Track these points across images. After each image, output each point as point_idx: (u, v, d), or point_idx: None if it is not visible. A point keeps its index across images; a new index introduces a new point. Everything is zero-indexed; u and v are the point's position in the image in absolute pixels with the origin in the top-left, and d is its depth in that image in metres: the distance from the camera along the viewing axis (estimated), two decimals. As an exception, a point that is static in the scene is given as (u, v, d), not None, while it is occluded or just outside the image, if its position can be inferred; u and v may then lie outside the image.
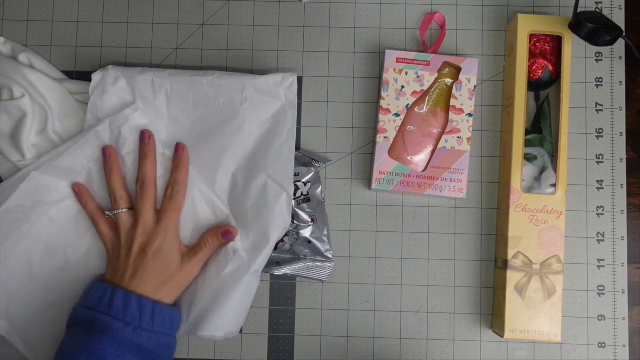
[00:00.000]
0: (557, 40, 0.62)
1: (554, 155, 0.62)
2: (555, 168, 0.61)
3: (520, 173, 0.60)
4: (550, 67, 0.62)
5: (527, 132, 0.62)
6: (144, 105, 0.63)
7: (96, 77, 0.62)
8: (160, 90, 0.62)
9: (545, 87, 0.63)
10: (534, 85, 0.63)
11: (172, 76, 0.63)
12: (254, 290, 0.61)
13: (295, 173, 0.62)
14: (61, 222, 0.62)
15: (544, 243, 0.60)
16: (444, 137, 0.62)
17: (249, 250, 0.60)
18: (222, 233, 0.59)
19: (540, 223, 0.60)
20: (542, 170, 0.62)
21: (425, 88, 0.62)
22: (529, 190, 0.61)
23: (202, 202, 0.62)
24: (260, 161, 0.61)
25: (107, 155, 0.61)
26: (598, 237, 0.64)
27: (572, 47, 0.61)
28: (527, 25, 0.61)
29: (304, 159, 0.63)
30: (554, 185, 0.60)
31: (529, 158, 0.62)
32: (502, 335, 0.59)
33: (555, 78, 0.63)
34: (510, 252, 0.60)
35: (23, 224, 0.61)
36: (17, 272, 0.61)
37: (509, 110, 0.62)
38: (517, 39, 0.61)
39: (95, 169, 0.62)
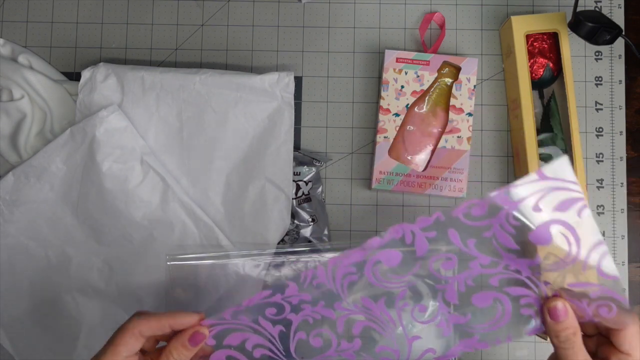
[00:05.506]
0: (554, 37, 0.62)
1: (566, 152, 0.62)
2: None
3: None
4: (551, 65, 0.62)
5: (537, 132, 0.62)
6: (132, 103, 0.61)
7: (85, 74, 0.61)
8: (151, 88, 0.61)
9: (547, 84, 0.63)
10: (537, 84, 0.63)
11: (163, 73, 0.61)
12: (255, 292, 0.61)
13: (297, 172, 0.62)
14: (38, 223, 0.61)
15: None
16: (443, 137, 0.62)
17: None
18: (189, 339, 0.46)
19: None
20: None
21: (424, 88, 0.62)
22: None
23: (183, 215, 0.60)
24: (257, 163, 0.61)
25: None
26: (598, 236, 0.64)
27: (572, 46, 0.61)
28: (521, 27, 0.61)
29: (305, 159, 0.63)
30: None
31: (544, 158, 0.62)
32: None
33: (556, 74, 0.63)
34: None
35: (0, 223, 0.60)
36: (1, 272, 0.60)
37: (515, 112, 0.62)
38: (513, 42, 0.61)
39: (70, 171, 0.60)
